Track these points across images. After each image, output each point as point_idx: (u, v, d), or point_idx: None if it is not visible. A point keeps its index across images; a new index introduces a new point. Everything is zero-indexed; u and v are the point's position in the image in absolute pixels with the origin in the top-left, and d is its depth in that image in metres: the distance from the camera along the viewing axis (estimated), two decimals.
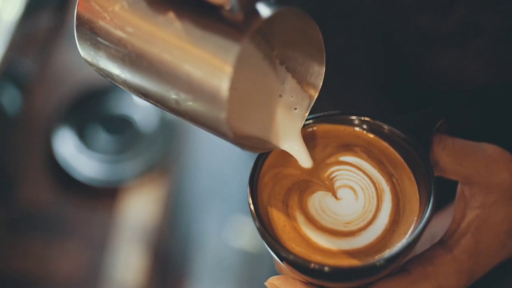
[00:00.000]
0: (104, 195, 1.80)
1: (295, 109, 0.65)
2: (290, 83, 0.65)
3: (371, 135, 0.68)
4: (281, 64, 0.65)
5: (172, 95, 0.57)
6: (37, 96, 1.93)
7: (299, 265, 0.59)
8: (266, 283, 0.63)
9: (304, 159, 0.64)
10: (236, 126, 0.60)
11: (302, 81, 0.65)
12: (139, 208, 1.78)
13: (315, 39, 0.60)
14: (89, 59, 0.63)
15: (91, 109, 1.89)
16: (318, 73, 0.63)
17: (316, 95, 0.64)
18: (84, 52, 0.62)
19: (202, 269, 1.79)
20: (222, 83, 0.53)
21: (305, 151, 0.64)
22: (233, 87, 0.54)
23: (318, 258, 0.60)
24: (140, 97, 0.61)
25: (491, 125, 0.84)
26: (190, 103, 0.56)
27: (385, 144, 0.67)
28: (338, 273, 0.59)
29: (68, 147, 1.83)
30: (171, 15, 0.56)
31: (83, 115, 1.88)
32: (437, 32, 0.79)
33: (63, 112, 1.89)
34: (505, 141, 0.67)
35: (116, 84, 0.62)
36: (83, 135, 1.86)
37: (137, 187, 1.81)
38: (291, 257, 0.59)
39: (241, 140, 0.59)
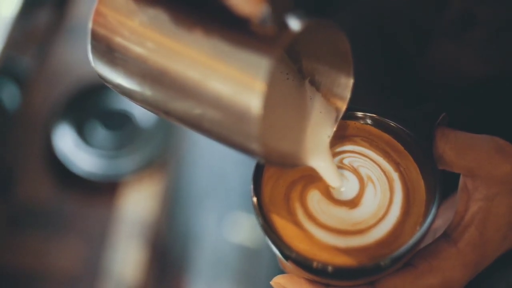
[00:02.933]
0: (103, 190, 1.81)
1: (323, 124, 0.63)
2: (317, 97, 0.63)
3: (372, 128, 0.66)
4: (305, 77, 0.63)
5: (197, 113, 0.54)
6: (36, 92, 1.93)
7: (302, 264, 0.58)
8: (271, 283, 0.62)
9: (332, 178, 0.63)
10: (265, 144, 0.56)
11: (328, 94, 0.62)
12: (138, 203, 1.79)
13: (342, 50, 0.58)
14: (106, 77, 0.59)
15: (90, 104, 1.90)
16: (345, 85, 0.61)
17: (344, 108, 0.62)
18: (100, 69, 0.59)
19: (200, 264, 1.80)
20: (254, 100, 0.50)
21: (334, 168, 0.62)
22: (264, 106, 0.51)
23: (324, 256, 0.59)
24: (160, 115, 0.58)
25: (490, 120, 0.84)
26: (217, 122, 0.53)
27: (387, 136, 0.66)
28: (342, 273, 0.58)
29: (67, 143, 1.83)
30: (196, 29, 0.53)
31: (82, 110, 1.89)
32: (433, 25, 0.79)
33: (62, 108, 1.89)
34: (505, 134, 0.67)
35: (135, 102, 0.59)
36: (82, 131, 1.86)
37: (135, 182, 1.81)
38: (293, 255, 0.58)
39: (268, 157, 0.57)
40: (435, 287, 0.61)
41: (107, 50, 0.57)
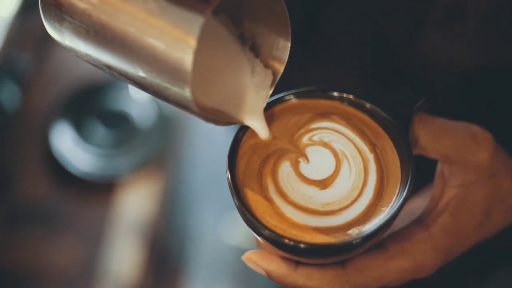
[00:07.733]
0: (100, 190, 1.81)
1: (260, 87, 0.65)
2: (255, 62, 0.65)
3: (350, 107, 0.66)
4: (247, 43, 0.64)
5: (137, 67, 0.57)
6: (35, 91, 1.93)
7: (274, 241, 0.58)
8: (243, 258, 0.62)
9: (262, 132, 0.64)
10: (200, 100, 0.59)
11: (268, 58, 0.64)
12: (135, 203, 1.79)
13: (281, 14, 0.60)
14: (54, 33, 0.62)
15: (89, 104, 1.90)
16: (283, 48, 0.63)
17: (281, 70, 0.64)
18: (49, 25, 0.62)
19: (197, 264, 1.80)
20: (186, 55, 0.53)
21: (265, 126, 0.64)
22: (198, 62, 0.54)
23: (293, 232, 0.59)
24: (104, 70, 0.61)
25: (478, 110, 0.84)
26: (154, 76, 0.56)
27: (365, 116, 0.66)
28: (313, 250, 0.58)
29: (65, 142, 1.83)
30: None
31: (80, 110, 1.89)
32: (424, 16, 0.79)
33: (61, 107, 1.89)
34: (493, 125, 0.67)
35: (80, 57, 0.62)
36: (80, 130, 1.86)
37: (133, 181, 1.81)
38: (266, 233, 0.58)
39: (205, 114, 0.59)
40: (405, 269, 0.61)
41: (54, 5, 0.59)
